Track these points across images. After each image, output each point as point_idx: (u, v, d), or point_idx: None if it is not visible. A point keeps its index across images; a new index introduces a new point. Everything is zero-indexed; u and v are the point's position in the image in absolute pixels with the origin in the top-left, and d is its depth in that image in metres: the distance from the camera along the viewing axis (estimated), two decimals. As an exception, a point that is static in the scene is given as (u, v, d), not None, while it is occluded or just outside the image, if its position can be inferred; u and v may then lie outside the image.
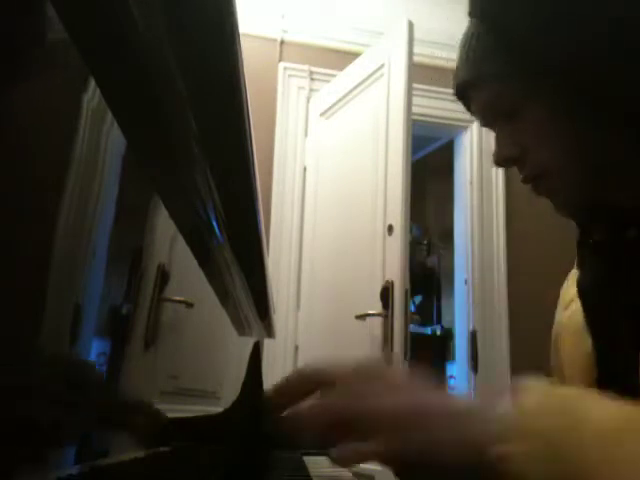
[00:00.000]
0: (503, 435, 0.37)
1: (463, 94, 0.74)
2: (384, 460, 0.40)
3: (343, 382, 0.44)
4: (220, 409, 0.77)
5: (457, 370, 2.98)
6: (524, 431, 0.37)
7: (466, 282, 2.87)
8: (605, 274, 0.69)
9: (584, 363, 0.68)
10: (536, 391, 0.41)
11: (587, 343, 0.68)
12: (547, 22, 0.64)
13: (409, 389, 0.43)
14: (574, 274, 0.77)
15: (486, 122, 0.74)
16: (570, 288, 0.76)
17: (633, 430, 0.37)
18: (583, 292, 0.71)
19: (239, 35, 0.35)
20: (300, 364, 2.54)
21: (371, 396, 0.41)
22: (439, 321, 4.54)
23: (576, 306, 0.72)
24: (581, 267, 0.74)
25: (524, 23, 0.65)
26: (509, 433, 0.37)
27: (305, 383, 0.48)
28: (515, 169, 0.72)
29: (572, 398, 0.40)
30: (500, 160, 0.72)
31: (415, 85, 2.27)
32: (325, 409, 0.43)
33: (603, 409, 0.38)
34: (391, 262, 2.08)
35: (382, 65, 2.33)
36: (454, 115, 2.95)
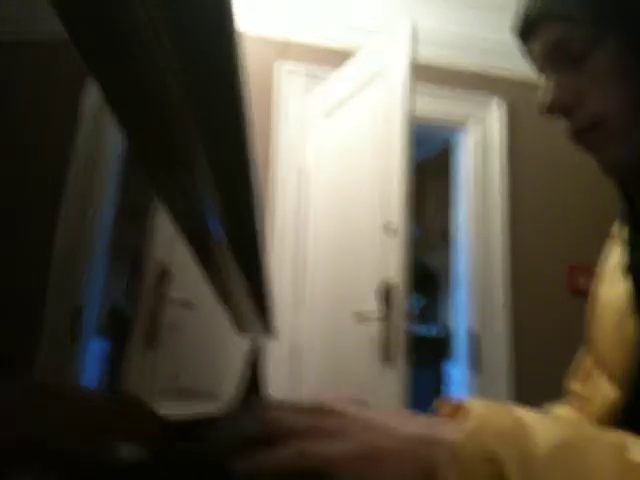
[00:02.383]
0: (449, 461, 0.36)
1: (528, 31, 0.71)
2: None
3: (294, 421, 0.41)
4: (220, 409, 0.77)
5: (457, 370, 2.98)
6: (471, 454, 0.36)
7: (466, 282, 2.87)
8: None
9: (625, 347, 0.65)
10: (486, 412, 0.39)
11: (631, 326, 0.65)
12: None
13: (360, 428, 0.40)
14: (612, 247, 0.74)
15: (544, 65, 0.71)
16: (610, 261, 0.72)
17: (571, 455, 0.36)
18: (631, 268, 0.68)
19: (239, 35, 0.35)
20: (300, 364, 2.54)
21: (321, 439, 0.39)
22: (439, 321, 4.54)
23: (622, 283, 0.68)
24: (632, 244, 0.70)
25: None
26: (455, 459, 0.36)
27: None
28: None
29: (517, 420, 0.39)
30: (554, 106, 0.68)
31: (415, 85, 2.27)
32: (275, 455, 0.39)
33: (546, 433, 0.37)
34: (391, 262, 2.08)
35: (382, 65, 2.33)
36: (454, 115, 2.96)
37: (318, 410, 0.42)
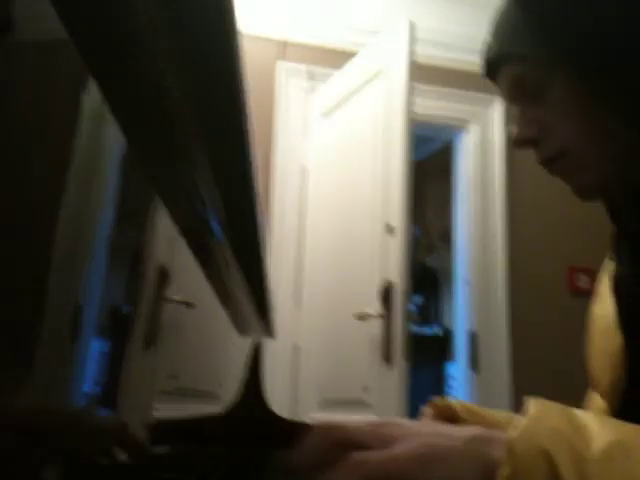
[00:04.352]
0: (506, 457, 0.37)
1: (491, 71, 0.76)
2: None
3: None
4: (220, 409, 0.77)
5: (457, 370, 2.98)
6: (525, 451, 0.37)
7: (466, 282, 2.87)
8: None
9: (612, 361, 0.67)
10: (541, 411, 0.40)
11: (617, 340, 0.67)
12: (574, 3, 0.65)
13: (418, 432, 0.42)
14: (609, 264, 0.76)
15: (511, 100, 0.75)
16: (605, 279, 0.75)
17: (628, 452, 0.36)
18: (617, 285, 0.71)
19: (239, 35, 0.35)
20: (300, 364, 2.54)
21: (382, 445, 0.40)
22: (439, 321, 4.55)
23: (609, 299, 0.71)
24: (616, 259, 0.73)
25: (554, 3, 0.67)
26: (511, 454, 0.37)
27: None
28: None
29: (572, 419, 0.39)
30: (520, 141, 0.73)
31: (415, 85, 2.27)
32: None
33: (602, 432, 0.38)
34: (391, 262, 2.08)
35: (382, 65, 2.33)
36: (454, 115, 2.95)
37: (373, 425, 0.43)
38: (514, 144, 0.74)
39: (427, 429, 0.42)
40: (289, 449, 0.43)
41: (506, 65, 0.72)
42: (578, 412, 0.41)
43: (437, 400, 0.78)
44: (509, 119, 2.97)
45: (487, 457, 0.39)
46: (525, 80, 0.70)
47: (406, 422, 0.44)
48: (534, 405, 0.41)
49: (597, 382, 0.71)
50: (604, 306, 0.72)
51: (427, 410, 0.78)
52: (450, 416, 0.76)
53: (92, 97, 0.29)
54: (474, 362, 2.76)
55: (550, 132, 0.70)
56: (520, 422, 0.39)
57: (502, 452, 0.38)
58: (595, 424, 0.39)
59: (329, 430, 0.41)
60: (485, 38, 0.75)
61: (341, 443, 0.41)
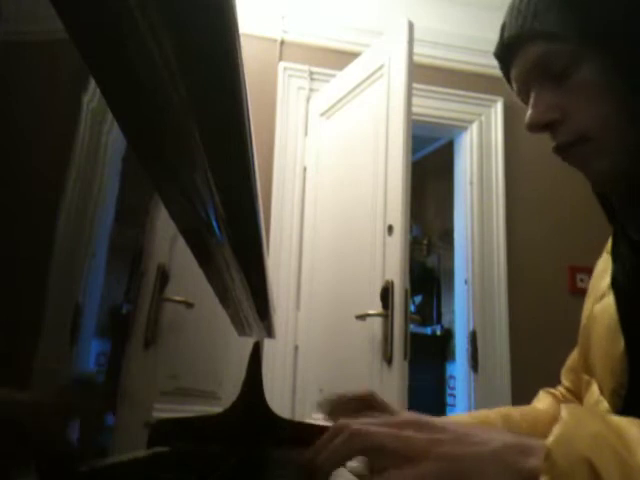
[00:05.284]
0: (544, 466, 0.36)
1: (508, 52, 0.72)
2: None
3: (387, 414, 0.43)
4: (220, 409, 0.77)
5: (457, 370, 2.98)
6: (565, 458, 0.36)
7: (466, 282, 2.87)
8: None
9: (615, 363, 0.66)
10: (577, 417, 0.39)
11: (620, 343, 0.66)
12: None
13: (452, 425, 0.41)
14: (604, 262, 0.75)
15: (527, 84, 0.72)
16: (602, 278, 0.74)
17: None
18: (617, 286, 0.69)
19: (239, 35, 0.35)
20: (300, 364, 2.54)
21: (412, 428, 0.40)
22: (439, 321, 4.55)
23: (610, 299, 0.69)
24: (616, 259, 0.72)
25: None
26: (549, 463, 0.36)
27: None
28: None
29: (608, 424, 0.38)
30: (537, 124, 0.70)
31: (415, 85, 2.27)
32: (369, 435, 0.41)
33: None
34: (391, 262, 2.08)
35: (382, 65, 2.33)
36: (454, 115, 2.95)
37: (398, 421, 0.42)
38: (530, 127, 0.70)
39: (458, 434, 0.40)
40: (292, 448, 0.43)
41: (530, 44, 0.69)
42: (613, 417, 0.39)
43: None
44: (510, 119, 2.97)
45: (521, 467, 0.37)
46: (550, 60, 0.67)
47: (428, 421, 0.42)
48: (567, 411, 0.39)
49: (598, 380, 0.71)
50: (605, 306, 0.71)
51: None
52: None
53: (92, 97, 0.29)
54: (474, 362, 2.76)
55: (572, 115, 0.67)
56: (555, 429, 0.37)
57: (539, 461, 0.36)
58: (633, 429, 0.37)
59: (353, 436, 0.41)
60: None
61: (365, 448, 0.41)
